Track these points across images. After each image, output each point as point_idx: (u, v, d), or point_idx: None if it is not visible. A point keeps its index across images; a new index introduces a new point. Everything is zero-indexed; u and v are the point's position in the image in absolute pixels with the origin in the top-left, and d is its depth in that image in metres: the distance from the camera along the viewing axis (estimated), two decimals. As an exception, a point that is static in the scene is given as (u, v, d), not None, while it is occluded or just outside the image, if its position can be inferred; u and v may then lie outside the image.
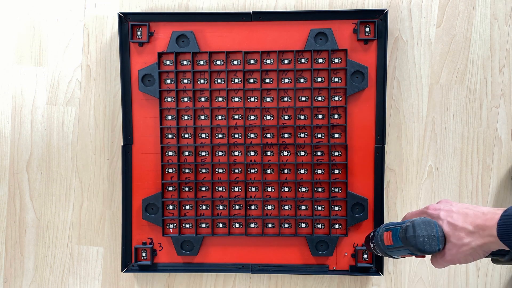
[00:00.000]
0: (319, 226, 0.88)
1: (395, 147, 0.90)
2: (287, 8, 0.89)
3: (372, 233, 0.71)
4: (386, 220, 0.90)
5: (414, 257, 0.64)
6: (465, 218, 0.58)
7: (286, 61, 0.87)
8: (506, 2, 0.88)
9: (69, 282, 0.94)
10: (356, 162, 0.87)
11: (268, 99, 0.87)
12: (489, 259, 0.61)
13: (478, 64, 0.89)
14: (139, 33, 0.87)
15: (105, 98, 0.92)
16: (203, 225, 0.89)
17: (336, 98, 0.87)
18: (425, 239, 0.58)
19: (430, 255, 0.61)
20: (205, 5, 0.90)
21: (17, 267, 0.94)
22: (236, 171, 0.89)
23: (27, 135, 0.93)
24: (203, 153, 0.89)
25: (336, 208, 0.88)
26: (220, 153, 0.88)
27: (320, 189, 0.88)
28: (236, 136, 0.88)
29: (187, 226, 0.89)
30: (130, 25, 0.87)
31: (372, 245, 0.70)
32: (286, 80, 0.87)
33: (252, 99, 0.87)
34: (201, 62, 0.87)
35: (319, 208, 0.88)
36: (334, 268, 0.89)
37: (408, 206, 0.90)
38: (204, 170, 0.89)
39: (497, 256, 0.61)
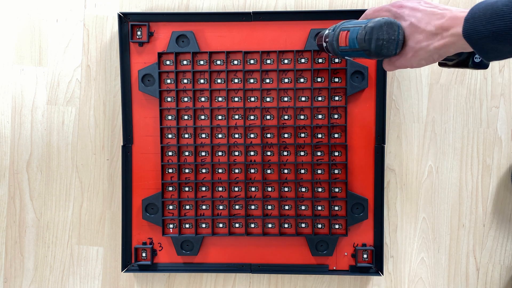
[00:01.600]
0: (319, 226, 0.88)
1: (395, 147, 0.90)
2: (287, 8, 0.89)
3: (327, 31, 0.64)
4: (386, 220, 0.90)
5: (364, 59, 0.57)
6: (430, 18, 0.52)
7: (286, 61, 0.87)
8: (506, 2, 0.88)
9: (69, 282, 0.94)
10: (356, 162, 0.87)
11: (268, 99, 0.87)
12: None
13: (478, 64, 0.89)
14: (139, 33, 0.87)
15: (105, 98, 0.92)
16: (203, 225, 0.89)
17: (336, 98, 0.87)
18: (384, 43, 0.54)
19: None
20: (205, 5, 0.90)
21: (17, 267, 0.94)
22: (236, 171, 0.89)
23: (27, 135, 0.93)
24: (203, 153, 0.89)
25: (336, 208, 0.88)
26: (220, 153, 0.88)
27: (320, 189, 0.88)
28: (236, 136, 0.88)
29: (187, 226, 0.89)
30: (130, 25, 0.87)
31: (324, 44, 0.64)
32: (286, 80, 0.87)
33: (252, 99, 0.87)
34: (201, 62, 0.87)
35: (319, 208, 0.88)
36: (334, 268, 0.89)
37: (408, 206, 0.90)
38: (204, 170, 0.89)
39: (446, 60, 0.57)
